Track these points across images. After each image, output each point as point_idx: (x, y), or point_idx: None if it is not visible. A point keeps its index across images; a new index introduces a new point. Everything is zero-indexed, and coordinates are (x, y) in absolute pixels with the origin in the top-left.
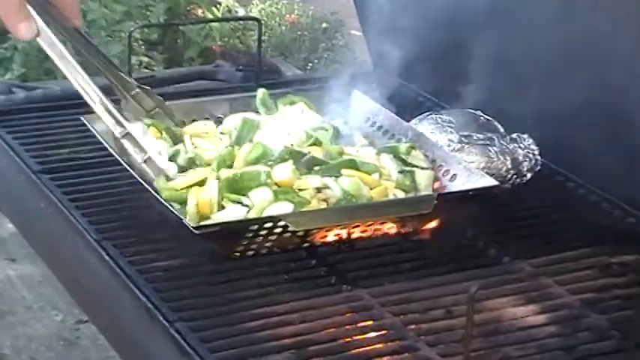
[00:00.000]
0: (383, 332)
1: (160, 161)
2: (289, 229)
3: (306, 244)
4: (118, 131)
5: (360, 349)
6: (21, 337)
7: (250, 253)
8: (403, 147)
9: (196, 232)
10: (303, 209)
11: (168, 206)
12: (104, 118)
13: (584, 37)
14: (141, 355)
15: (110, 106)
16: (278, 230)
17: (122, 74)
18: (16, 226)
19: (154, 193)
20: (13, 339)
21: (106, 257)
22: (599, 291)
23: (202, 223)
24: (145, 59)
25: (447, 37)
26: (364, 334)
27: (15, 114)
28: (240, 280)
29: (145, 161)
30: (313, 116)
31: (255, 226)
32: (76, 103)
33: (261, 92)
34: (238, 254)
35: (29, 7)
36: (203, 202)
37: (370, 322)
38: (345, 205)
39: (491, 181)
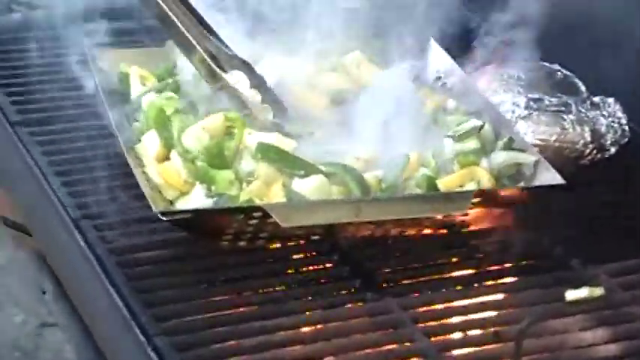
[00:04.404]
0: None
1: (260, 113)
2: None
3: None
4: (214, 83)
5: None
6: None
7: (242, 243)
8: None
9: (163, 218)
10: (297, 201)
11: (139, 182)
12: (198, 69)
13: None
14: None
15: (207, 57)
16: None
17: (225, 47)
18: None
19: (130, 162)
20: None
21: (82, 243)
22: None
23: (170, 209)
24: None
25: None
26: None
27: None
28: (241, 281)
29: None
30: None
31: (234, 217)
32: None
33: None
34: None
35: None
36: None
37: (396, 346)
38: (351, 198)
39: (556, 179)
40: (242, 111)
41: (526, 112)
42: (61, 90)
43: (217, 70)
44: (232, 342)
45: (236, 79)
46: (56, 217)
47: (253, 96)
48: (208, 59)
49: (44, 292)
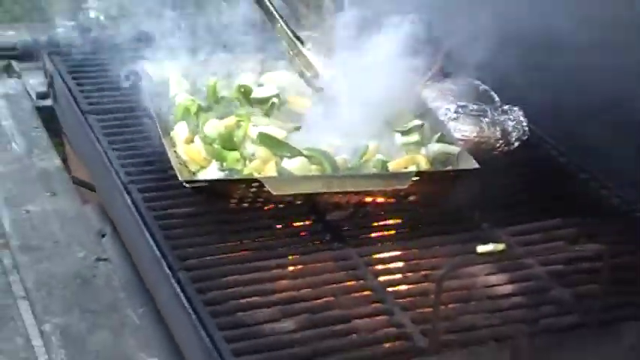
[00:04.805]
0: (364, 293)
1: (326, 76)
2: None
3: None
4: (291, 49)
5: (340, 310)
6: (44, 272)
7: (245, 204)
8: None
9: (187, 185)
10: (286, 175)
11: (171, 158)
12: (281, 35)
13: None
14: (145, 300)
15: (287, 29)
16: (259, 191)
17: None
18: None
19: (165, 143)
20: (36, 274)
21: (129, 201)
22: (566, 263)
23: (192, 179)
24: None
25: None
26: (347, 294)
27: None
28: (243, 232)
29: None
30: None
31: (239, 186)
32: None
33: None
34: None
35: None
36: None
37: (354, 282)
38: (324, 174)
39: (474, 164)
40: (310, 70)
41: (455, 115)
42: (119, 89)
43: (295, 40)
44: (236, 276)
45: (308, 47)
46: (112, 181)
47: (318, 62)
48: (289, 32)
49: (103, 236)
